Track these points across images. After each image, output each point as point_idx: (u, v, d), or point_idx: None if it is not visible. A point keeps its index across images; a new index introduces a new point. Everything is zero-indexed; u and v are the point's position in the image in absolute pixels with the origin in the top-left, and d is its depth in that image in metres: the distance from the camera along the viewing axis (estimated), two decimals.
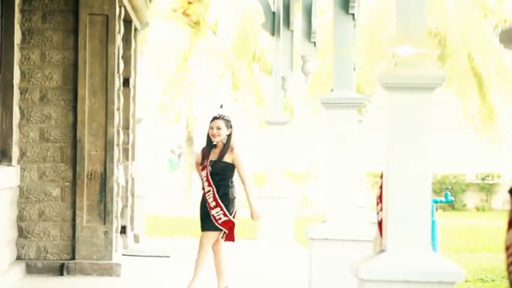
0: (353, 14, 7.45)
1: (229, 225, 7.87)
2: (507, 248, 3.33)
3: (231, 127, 7.88)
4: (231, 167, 7.86)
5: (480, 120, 22.74)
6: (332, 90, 7.57)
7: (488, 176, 25.66)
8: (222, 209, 7.82)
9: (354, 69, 7.58)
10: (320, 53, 20.25)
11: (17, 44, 9.50)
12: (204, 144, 8.07)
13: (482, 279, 10.29)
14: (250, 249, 12.92)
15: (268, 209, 13.45)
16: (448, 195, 9.80)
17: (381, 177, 5.73)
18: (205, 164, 7.87)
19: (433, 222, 8.99)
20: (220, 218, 7.83)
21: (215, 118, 7.90)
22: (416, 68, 5.14)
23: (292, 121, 22.37)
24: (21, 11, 9.61)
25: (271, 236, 13.52)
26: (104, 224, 9.59)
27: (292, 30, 13.16)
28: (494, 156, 24.87)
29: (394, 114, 5.15)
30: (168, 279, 9.34)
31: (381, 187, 5.71)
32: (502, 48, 19.56)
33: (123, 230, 11.68)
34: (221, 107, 7.98)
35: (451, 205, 23.88)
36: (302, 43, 10.18)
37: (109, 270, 9.50)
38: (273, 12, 13.77)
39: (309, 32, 9.99)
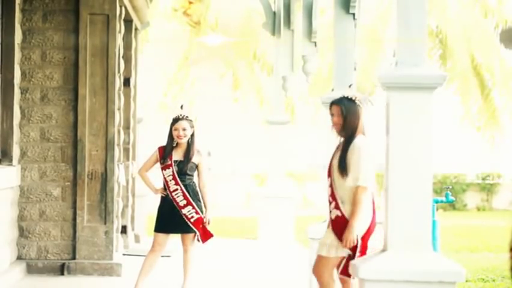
0: (354, 14, 7.44)
1: (200, 223, 7.87)
2: (511, 249, 3.33)
3: (193, 127, 7.92)
4: (196, 168, 7.91)
5: (481, 120, 22.72)
6: (332, 90, 7.57)
7: (489, 175, 25.64)
8: (193, 207, 7.83)
9: (355, 68, 7.57)
10: (321, 53, 20.23)
11: (18, 44, 9.50)
12: (156, 143, 8.12)
13: (483, 279, 10.28)
14: (250, 249, 12.92)
15: (269, 208, 13.45)
16: (448, 195, 9.79)
17: (329, 176, 5.83)
18: (169, 163, 7.87)
19: (434, 222, 8.99)
20: (192, 217, 7.83)
21: (178, 119, 7.89)
22: (417, 67, 5.13)
23: (293, 121, 22.36)
24: (22, 10, 9.61)
25: (272, 236, 13.51)
26: (105, 223, 9.59)
27: (293, 30, 13.15)
28: (495, 156, 24.85)
29: (395, 114, 5.14)
30: (168, 279, 9.33)
31: (330, 186, 5.81)
32: (503, 47, 19.54)
33: (124, 229, 11.68)
34: (181, 107, 7.98)
35: (451, 205, 23.86)
36: (303, 43, 10.17)
37: (109, 270, 9.50)
38: (274, 12, 13.76)
39: (309, 32, 9.98)
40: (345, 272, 5.82)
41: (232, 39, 23.59)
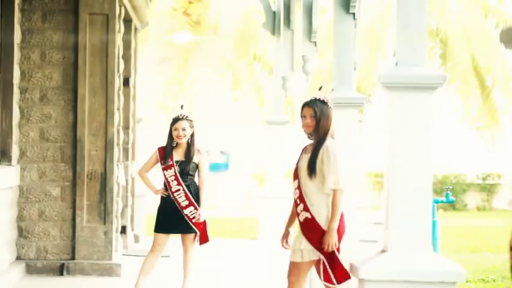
0: (354, 14, 7.43)
1: (201, 224, 7.86)
2: (511, 248, 3.31)
3: (192, 127, 7.91)
4: (196, 168, 7.90)
5: (481, 120, 22.70)
6: (332, 90, 7.55)
7: (489, 176, 25.63)
8: (195, 208, 7.82)
9: (355, 68, 7.56)
10: (321, 53, 20.21)
11: (17, 44, 9.48)
12: (155, 143, 8.11)
13: (483, 280, 10.27)
14: (250, 249, 12.90)
15: (269, 208, 13.43)
16: (448, 195, 9.78)
17: (296, 178, 5.79)
18: (171, 163, 7.85)
19: (434, 222, 8.98)
20: (194, 217, 7.82)
21: (178, 119, 7.88)
22: (417, 67, 5.12)
23: (293, 121, 22.35)
24: (21, 10, 9.59)
25: (272, 236, 13.48)
26: (104, 224, 9.57)
27: (292, 30, 13.14)
28: (495, 156, 24.85)
29: (395, 114, 5.13)
30: (168, 279, 9.32)
31: (298, 188, 5.77)
32: (503, 47, 19.52)
33: (123, 230, 11.66)
34: (181, 107, 7.97)
35: (451, 205, 23.85)
36: (303, 43, 10.16)
37: (109, 271, 9.48)
38: (274, 12, 13.75)
39: (309, 32, 9.97)
40: (328, 279, 5.76)
41: (232, 39, 23.56)
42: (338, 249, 5.75)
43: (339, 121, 7.51)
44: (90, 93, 9.60)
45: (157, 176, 8.04)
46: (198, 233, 7.88)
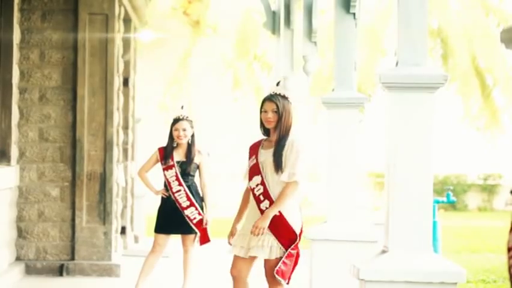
0: (354, 14, 7.41)
1: (202, 224, 7.85)
2: (509, 250, 3.29)
3: (193, 127, 7.89)
4: (197, 168, 7.88)
5: (482, 120, 22.69)
6: (333, 90, 7.53)
7: (490, 176, 25.62)
8: (196, 208, 7.81)
9: (355, 68, 7.54)
10: (321, 53, 20.20)
11: (16, 44, 9.46)
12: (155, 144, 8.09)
13: (484, 280, 10.24)
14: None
15: None
16: (449, 196, 9.76)
17: (258, 173, 5.67)
18: (172, 164, 7.83)
19: (435, 223, 8.96)
20: (195, 218, 7.81)
21: (178, 120, 7.85)
22: (418, 67, 5.09)
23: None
24: (21, 10, 9.57)
25: None
26: (104, 224, 9.55)
27: (293, 30, 13.11)
28: (496, 157, 24.83)
29: (395, 115, 5.10)
30: (168, 280, 9.30)
31: (262, 183, 5.69)
32: (504, 47, 19.50)
33: (123, 230, 11.64)
34: (182, 108, 7.95)
35: (452, 206, 23.84)
36: (303, 43, 10.13)
37: (108, 271, 9.46)
38: (274, 12, 13.73)
39: (310, 32, 9.94)
40: (282, 275, 5.72)
41: (232, 39, 23.54)
42: (299, 251, 5.74)
43: (339, 121, 7.49)
44: (89, 93, 9.57)
45: (157, 176, 8.02)
46: (198, 233, 7.87)
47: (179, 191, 7.82)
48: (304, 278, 8.22)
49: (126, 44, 11.83)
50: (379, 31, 22.00)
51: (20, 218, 9.59)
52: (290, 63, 13.11)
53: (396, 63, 5.16)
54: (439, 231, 9.59)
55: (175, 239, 8.24)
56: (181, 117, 7.87)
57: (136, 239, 12.72)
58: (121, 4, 10.27)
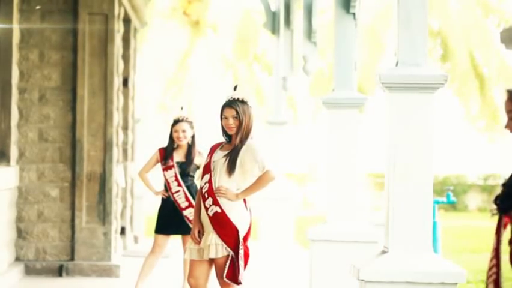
0: (354, 14, 7.40)
1: None
2: (510, 243, 3.34)
3: (193, 128, 7.88)
4: (197, 169, 7.87)
5: (482, 121, 22.69)
6: (333, 90, 7.53)
7: (490, 176, 25.61)
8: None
9: (356, 68, 7.53)
10: (321, 53, 20.19)
11: (16, 44, 9.45)
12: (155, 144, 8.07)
13: (484, 281, 10.23)
14: (250, 250, 12.85)
15: (269, 209, 13.40)
16: (449, 196, 9.74)
17: (207, 172, 5.66)
18: (172, 164, 7.83)
19: (435, 223, 8.94)
20: None
21: (178, 121, 7.84)
22: (418, 67, 5.08)
23: (293, 121, 22.33)
24: (20, 10, 9.55)
25: (272, 236, 13.46)
26: (104, 225, 9.54)
27: (292, 30, 13.12)
28: (496, 157, 24.82)
29: (395, 115, 5.09)
30: (168, 280, 9.28)
31: (209, 182, 5.65)
32: (503, 47, 19.50)
33: (122, 230, 11.63)
34: (182, 109, 7.94)
35: (452, 206, 23.82)
36: (303, 43, 10.13)
37: (108, 272, 9.45)
38: (274, 12, 13.72)
39: (309, 32, 9.94)
40: (232, 277, 5.68)
41: (232, 39, 23.52)
42: (247, 247, 5.71)
43: (339, 121, 7.48)
44: (89, 94, 9.56)
45: (157, 176, 8.01)
46: None
47: (179, 191, 7.82)
48: (304, 278, 8.22)
49: (126, 44, 11.82)
50: (379, 31, 21.99)
51: (19, 219, 9.58)
52: (290, 63, 13.10)
53: (396, 63, 5.15)
54: (439, 231, 9.57)
55: (175, 239, 8.22)
56: (181, 119, 7.86)
57: (136, 240, 12.71)
58: (120, 4, 10.26)
